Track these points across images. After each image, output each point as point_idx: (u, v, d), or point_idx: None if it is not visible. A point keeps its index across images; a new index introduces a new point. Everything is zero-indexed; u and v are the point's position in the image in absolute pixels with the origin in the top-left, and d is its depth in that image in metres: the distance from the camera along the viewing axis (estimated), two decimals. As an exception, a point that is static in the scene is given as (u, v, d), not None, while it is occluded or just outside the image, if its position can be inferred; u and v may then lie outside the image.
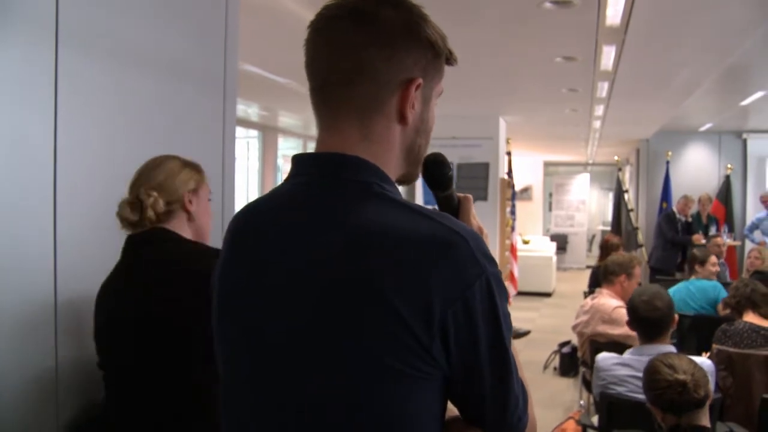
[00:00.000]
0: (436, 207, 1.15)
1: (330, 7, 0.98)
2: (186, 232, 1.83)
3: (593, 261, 9.44)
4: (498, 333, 0.91)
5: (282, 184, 1.02)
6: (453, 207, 1.14)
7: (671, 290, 5.07)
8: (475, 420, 0.95)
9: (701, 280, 5.19)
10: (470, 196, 1.16)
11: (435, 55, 1.00)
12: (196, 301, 1.60)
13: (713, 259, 5.30)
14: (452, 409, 0.97)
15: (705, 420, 2.16)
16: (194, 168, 1.89)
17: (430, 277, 0.86)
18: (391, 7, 0.96)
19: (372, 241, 0.88)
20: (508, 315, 0.94)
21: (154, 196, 1.79)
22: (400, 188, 1.04)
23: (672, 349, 3.01)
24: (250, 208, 1.06)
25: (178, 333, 1.65)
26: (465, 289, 0.87)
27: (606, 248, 6.55)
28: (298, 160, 1.02)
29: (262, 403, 0.96)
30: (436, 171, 1.10)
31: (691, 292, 5.12)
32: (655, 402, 2.21)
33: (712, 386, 2.36)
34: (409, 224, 0.89)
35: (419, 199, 8.15)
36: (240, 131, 8.38)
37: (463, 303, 0.87)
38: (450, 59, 1.04)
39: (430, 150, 1.10)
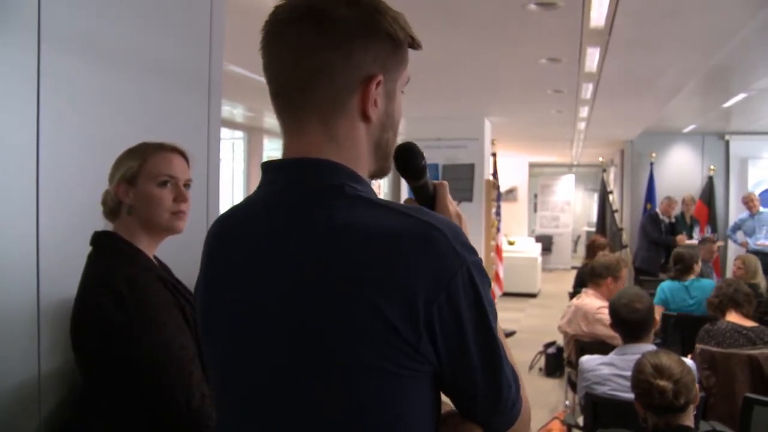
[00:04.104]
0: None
1: (283, 8, 0.96)
2: (133, 229, 1.72)
3: (578, 262, 9.49)
4: (484, 321, 0.91)
5: (255, 192, 1.02)
6: (428, 195, 1.13)
7: (667, 287, 5.09)
8: (469, 409, 0.95)
9: (700, 279, 5.14)
10: (445, 183, 1.14)
11: (396, 46, 0.98)
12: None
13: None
14: (448, 403, 0.98)
15: (688, 420, 2.17)
16: (134, 152, 1.74)
17: (410, 275, 0.86)
18: (345, 3, 0.94)
19: (349, 243, 0.88)
20: (492, 302, 0.94)
21: (105, 191, 1.75)
22: (383, 181, 1.03)
23: (654, 348, 3.04)
24: (225, 219, 1.05)
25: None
26: (447, 283, 0.87)
27: (592, 248, 6.58)
28: (267, 167, 1.01)
29: (252, 408, 0.96)
30: (408, 161, 1.08)
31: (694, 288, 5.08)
32: (637, 399, 2.22)
33: None
34: (384, 223, 0.89)
35: (404, 189, 8.11)
36: (225, 132, 8.35)
37: (446, 296, 0.87)
38: (413, 44, 1.01)
39: None
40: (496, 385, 0.93)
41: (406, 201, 1.15)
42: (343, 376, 0.87)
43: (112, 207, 1.74)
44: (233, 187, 8.85)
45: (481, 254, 7.87)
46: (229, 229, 1.03)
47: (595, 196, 14.05)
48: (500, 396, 0.93)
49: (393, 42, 0.97)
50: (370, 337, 0.86)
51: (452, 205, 1.13)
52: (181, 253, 1.82)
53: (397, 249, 0.87)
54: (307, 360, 0.89)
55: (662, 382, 2.13)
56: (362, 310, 0.86)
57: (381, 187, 11.79)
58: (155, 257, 1.79)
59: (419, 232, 0.88)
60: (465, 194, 7.93)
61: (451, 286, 0.87)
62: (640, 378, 2.21)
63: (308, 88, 0.95)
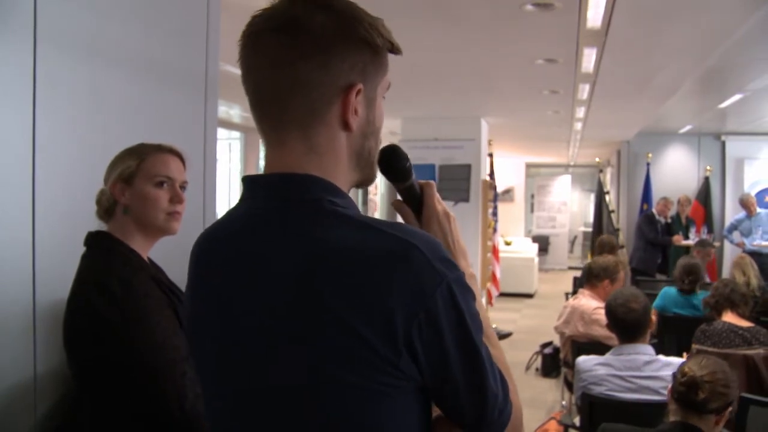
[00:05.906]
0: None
1: (260, 19, 0.95)
2: (127, 229, 1.72)
3: (575, 262, 9.46)
4: (467, 337, 0.90)
5: (236, 206, 1.01)
6: (416, 197, 1.12)
7: (669, 295, 4.96)
8: (456, 420, 0.95)
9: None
10: (432, 182, 1.13)
11: (374, 53, 0.96)
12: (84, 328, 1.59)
13: None
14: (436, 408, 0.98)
15: (705, 428, 2.16)
16: (132, 152, 1.73)
17: (387, 293, 0.85)
18: (321, 12, 0.92)
19: (324, 261, 0.87)
20: (476, 314, 0.92)
21: (100, 191, 1.75)
22: (380, 182, 1.02)
23: (650, 349, 3.05)
24: (209, 234, 1.05)
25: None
26: (426, 300, 0.86)
27: (601, 247, 6.53)
28: (247, 182, 1.00)
29: (237, 426, 0.95)
30: (393, 163, 1.07)
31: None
32: (672, 390, 2.25)
33: None
34: (360, 240, 0.88)
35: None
36: (222, 133, 8.33)
37: (426, 314, 0.86)
38: (393, 50, 1.00)
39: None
40: (481, 397, 0.92)
41: (393, 202, 1.14)
42: (323, 394, 0.87)
43: (107, 207, 1.73)
44: (230, 187, 8.84)
45: (478, 254, 7.88)
46: (212, 246, 1.03)
47: (592, 197, 14.02)
48: (486, 407, 0.93)
49: (371, 49, 0.95)
50: (347, 357, 0.85)
51: (441, 205, 1.12)
52: (176, 255, 1.81)
53: (373, 268, 0.86)
54: (288, 379, 0.88)
55: (691, 369, 2.17)
56: (339, 329, 0.85)
57: (378, 188, 11.80)
58: (149, 258, 1.78)
59: (396, 251, 0.86)
60: (462, 195, 7.93)
61: (430, 304, 0.86)
62: (683, 365, 2.25)
63: (285, 99, 0.93)
